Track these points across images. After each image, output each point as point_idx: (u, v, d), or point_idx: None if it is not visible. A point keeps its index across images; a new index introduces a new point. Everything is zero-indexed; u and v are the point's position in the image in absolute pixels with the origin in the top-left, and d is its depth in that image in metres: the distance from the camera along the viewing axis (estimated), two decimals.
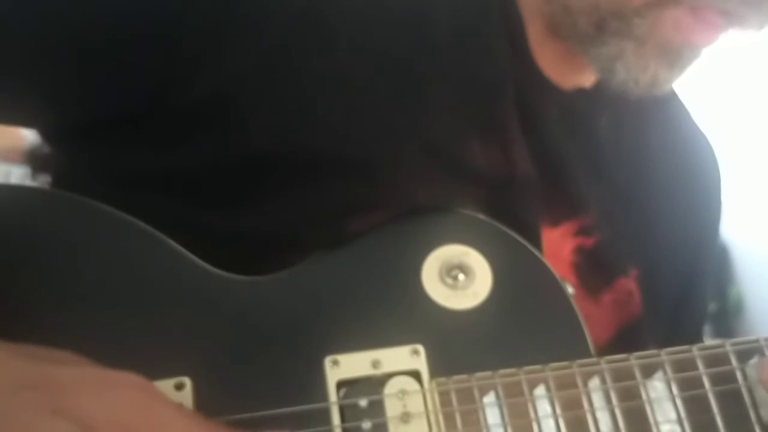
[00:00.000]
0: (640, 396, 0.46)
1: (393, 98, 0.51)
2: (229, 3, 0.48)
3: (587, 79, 0.61)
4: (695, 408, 0.46)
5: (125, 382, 0.40)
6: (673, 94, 0.68)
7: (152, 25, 0.48)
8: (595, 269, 0.58)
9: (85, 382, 0.39)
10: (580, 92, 0.60)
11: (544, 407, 0.45)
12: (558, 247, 0.56)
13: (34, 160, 0.60)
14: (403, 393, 0.45)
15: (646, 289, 0.60)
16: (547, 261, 0.51)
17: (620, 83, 0.53)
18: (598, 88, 0.61)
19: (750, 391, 0.46)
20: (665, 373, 0.47)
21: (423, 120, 0.52)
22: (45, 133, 0.57)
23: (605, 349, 0.50)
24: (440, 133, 0.52)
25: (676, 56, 0.52)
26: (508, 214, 0.52)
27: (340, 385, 0.46)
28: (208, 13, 0.48)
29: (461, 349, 0.47)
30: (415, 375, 0.46)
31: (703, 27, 0.50)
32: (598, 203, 0.59)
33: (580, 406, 0.46)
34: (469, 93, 0.54)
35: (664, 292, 0.62)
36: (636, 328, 0.59)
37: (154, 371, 0.44)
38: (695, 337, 0.66)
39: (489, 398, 0.45)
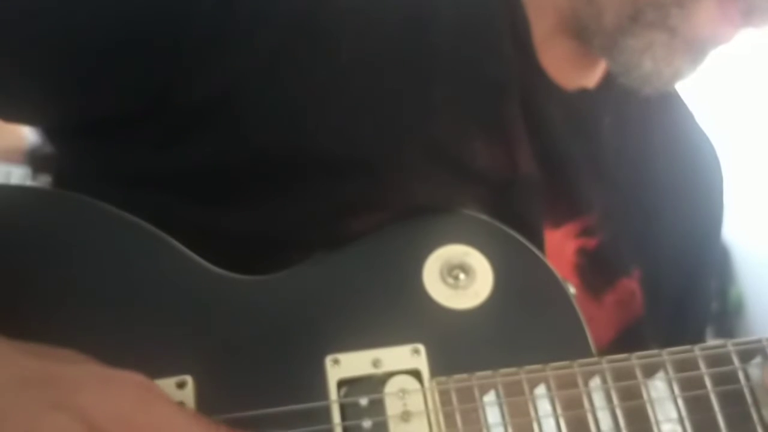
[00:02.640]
0: (641, 396, 0.46)
1: (395, 98, 0.51)
2: (229, 5, 0.48)
3: (591, 80, 0.60)
4: (697, 408, 0.46)
5: (128, 380, 0.40)
6: (676, 96, 0.68)
7: (154, 27, 0.48)
8: (598, 270, 0.58)
9: (88, 380, 0.39)
10: (584, 93, 0.60)
11: (544, 406, 0.45)
12: (560, 248, 0.56)
13: (34, 160, 0.60)
14: (403, 392, 0.45)
15: (649, 290, 0.60)
16: (550, 262, 0.51)
17: (643, 76, 0.53)
18: (602, 89, 0.61)
19: (752, 391, 0.46)
20: (666, 372, 0.46)
21: (425, 120, 0.52)
22: (47, 132, 0.57)
23: (607, 350, 0.50)
24: (443, 133, 0.52)
25: (700, 51, 0.52)
26: (510, 215, 0.52)
27: (341, 383, 0.46)
28: (209, 15, 0.48)
29: (462, 348, 0.47)
30: (416, 374, 0.46)
31: (727, 22, 0.51)
32: (600, 204, 0.58)
33: (581, 405, 0.45)
34: (472, 93, 0.54)
35: (666, 292, 0.62)
36: (638, 328, 0.59)
37: (156, 369, 0.44)
38: (698, 338, 0.66)
39: (489, 397, 0.45)
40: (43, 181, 0.59)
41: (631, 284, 0.59)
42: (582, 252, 0.57)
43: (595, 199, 0.58)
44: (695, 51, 0.52)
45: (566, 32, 0.56)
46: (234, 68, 0.49)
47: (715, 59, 0.54)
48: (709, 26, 0.51)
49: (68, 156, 0.57)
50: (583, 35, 0.56)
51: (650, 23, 0.51)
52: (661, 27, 0.51)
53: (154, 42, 0.48)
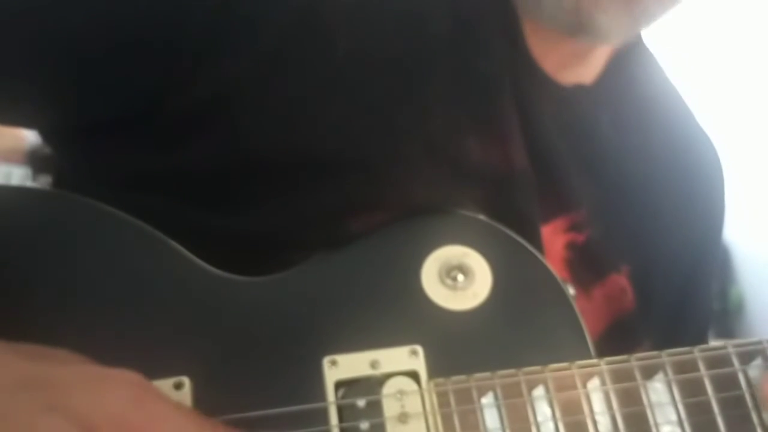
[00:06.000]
0: (640, 397, 0.46)
1: (390, 97, 0.51)
2: (226, 6, 0.48)
3: (587, 76, 0.60)
4: (696, 410, 0.46)
5: (122, 379, 0.39)
6: (678, 94, 0.68)
7: (151, 28, 0.48)
8: (587, 264, 0.57)
9: (81, 380, 0.39)
10: (580, 88, 0.60)
11: (542, 408, 0.45)
12: (550, 242, 0.56)
13: (34, 161, 0.60)
14: (401, 393, 0.45)
15: (640, 287, 0.60)
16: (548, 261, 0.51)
17: (573, 24, 0.52)
18: (599, 85, 0.61)
19: (752, 393, 0.46)
20: (666, 374, 0.46)
21: (421, 118, 0.52)
22: (45, 135, 0.57)
23: (596, 343, 0.50)
24: (438, 130, 0.52)
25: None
26: (507, 211, 0.52)
27: (339, 385, 0.45)
28: (205, 16, 0.48)
29: (460, 349, 0.47)
30: (414, 375, 0.46)
31: None
32: (590, 199, 0.58)
33: (580, 407, 0.45)
34: (466, 90, 0.54)
35: (660, 290, 0.62)
36: (628, 322, 0.59)
37: (153, 370, 0.44)
38: (700, 339, 0.66)
39: (487, 399, 0.45)
40: (44, 181, 0.59)
41: (621, 280, 0.59)
42: (571, 246, 0.57)
43: (585, 194, 0.58)
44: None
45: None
46: (232, 69, 0.49)
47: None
48: None
49: (67, 158, 0.57)
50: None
51: None
52: None
53: (153, 43, 0.48)
